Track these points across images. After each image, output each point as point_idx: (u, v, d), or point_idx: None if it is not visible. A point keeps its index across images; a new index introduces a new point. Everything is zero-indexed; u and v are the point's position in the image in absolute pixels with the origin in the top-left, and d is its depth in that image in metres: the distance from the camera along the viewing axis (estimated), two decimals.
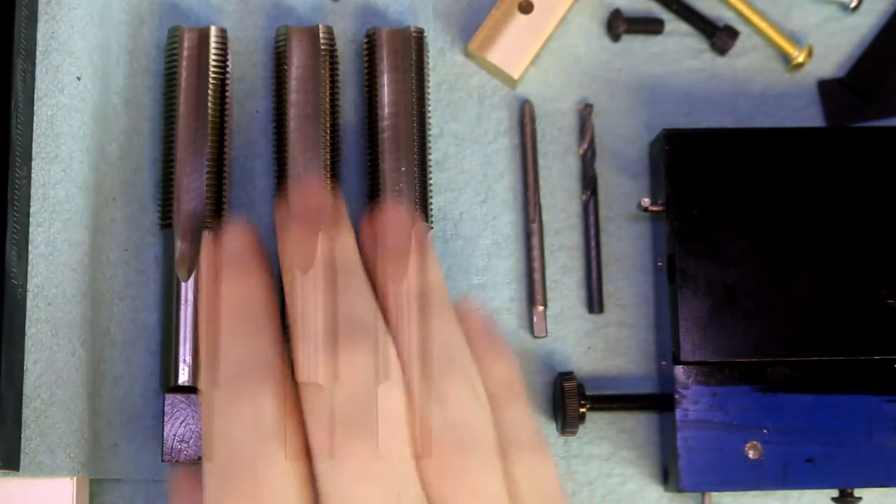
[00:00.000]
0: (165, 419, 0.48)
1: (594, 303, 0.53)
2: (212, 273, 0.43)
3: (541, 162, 0.54)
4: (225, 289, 0.42)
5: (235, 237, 0.43)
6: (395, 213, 0.44)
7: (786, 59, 0.55)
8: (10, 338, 0.45)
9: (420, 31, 0.52)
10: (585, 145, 0.54)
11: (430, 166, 0.52)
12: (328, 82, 0.51)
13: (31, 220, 0.47)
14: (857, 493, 0.50)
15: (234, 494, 0.38)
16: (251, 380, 0.40)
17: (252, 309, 0.42)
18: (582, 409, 0.50)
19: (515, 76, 0.53)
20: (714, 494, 0.51)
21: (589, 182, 0.54)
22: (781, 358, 0.50)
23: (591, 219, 0.53)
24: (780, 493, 0.52)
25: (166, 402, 0.48)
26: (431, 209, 0.52)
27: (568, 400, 0.50)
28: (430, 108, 0.52)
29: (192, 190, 0.50)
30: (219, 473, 0.39)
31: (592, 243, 0.53)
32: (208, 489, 0.39)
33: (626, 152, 0.54)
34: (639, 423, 0.52)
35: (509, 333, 0.52)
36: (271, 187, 0.52)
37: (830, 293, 0.50)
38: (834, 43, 0.56)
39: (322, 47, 0.51)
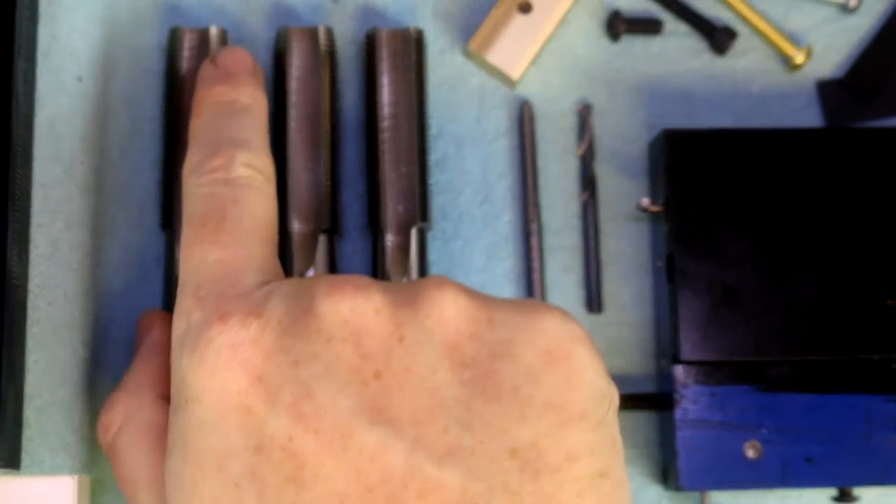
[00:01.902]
0: None
1: (594, 303, 0.53)
2: (205, 81, 0.47)
3: (540, 162, 0.54)
4: (218, 88, 0.46)
5: (233, 56, 0.47)
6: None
7: (785, 59, 0.55)
8: (10, 337, 0.45)
9: (420, 32, 0.52)
10: (585, 145, 0.54)
11: (430, 166, 0.52)
12: (328, 83, 0.51)
13: (31, 220, 0.47)
14: (857, 492, 0.50)
15: (202, 230, 0.41)
16: (227, 146, 0.43)
17: (242, 106, 0.45)
18: None
19: (515, 76, 0.53)
20: (713, 494, 0.51)
21: (588, 182, 0.54)
22: (781, 358, 0.50)
23: (591, 219, 0.53)
24: (780, 493, 0.52)
25: None
26: (431, 209, 0.52)
27: None
28: (429, 109, 0.53)
29: None
30: (190, 220, 0.42)
31: (592, 243, 0.53)
32: (182, 238, 0.42)
33: (625, 152, 0.54)
34: (638, 423, 0.52)
35: None
36: None
37: (830, 293, 0.50)
38: (833, 43, 0.56)
39: (322, 48, 0.51)
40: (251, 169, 0.43)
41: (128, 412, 0.43)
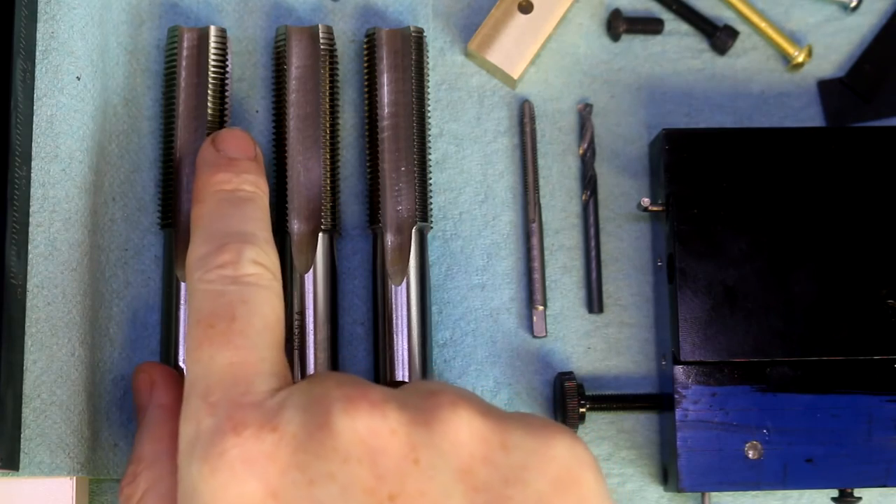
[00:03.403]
0: None
1: (594, 303, 0.53)
2: (207, 166, 0.46)
3: (541, 162, 0.54)
4: (220, 175, 0.46)
5: (233, 140, 0.47)
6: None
7: (786, 58, 0.55)
8: (9, 337, 0.45)
9: (420, 31, 0.52)
10: (585, 145, 0.54)
11: (430, 166, 0.52)
12: (328, 82, 0.51)
13: (30, 219, 0.47)
14: (857, 492, 0.50)
15: (211, 331, 0.40)
16: (233, 240, 0.43)
17: (245, 196, 0.45)
18: (582, 409, 0.50)
19: (515, 76, 0.53)
20: (714, 494, 0.51)
21: (589, 182, 0.54)
22: (781, 358, 0.50)
23: (591, 219, 0.53)
24: (780, 493, 0.52)
25: None
26: (431, 209, 0.52)
27: (568, 400, 0.50)
28: (429, 108, 0.52)
29: (191, 190, 0.50)
30: (198, 319, 0.41)
31: (592, 243, 0.53)
32: (189, 336, 0.41)
33: (626, 152, 0.54)
34: (639, 423, 0.52)
35: (509, 333, 0.52)
36: (271, 187, 0.52)
37: (830, 293, 0.50)
38: (834, 43, 0.56)
39: (322, 47, 0.51)
40: (259, 266, 0.42)
41: (148, 484, 0.42)
